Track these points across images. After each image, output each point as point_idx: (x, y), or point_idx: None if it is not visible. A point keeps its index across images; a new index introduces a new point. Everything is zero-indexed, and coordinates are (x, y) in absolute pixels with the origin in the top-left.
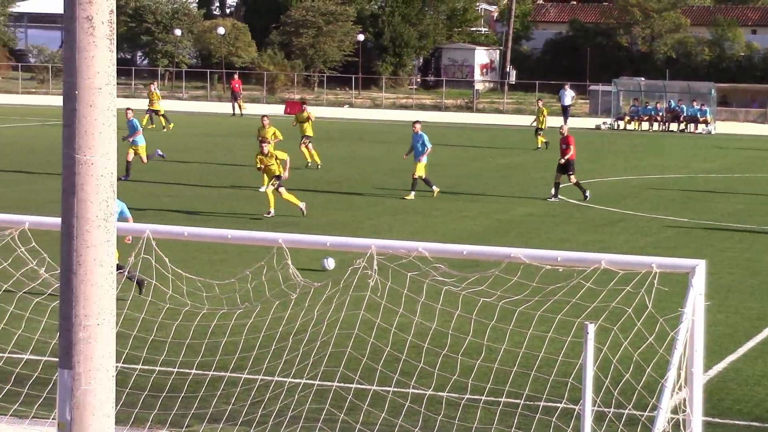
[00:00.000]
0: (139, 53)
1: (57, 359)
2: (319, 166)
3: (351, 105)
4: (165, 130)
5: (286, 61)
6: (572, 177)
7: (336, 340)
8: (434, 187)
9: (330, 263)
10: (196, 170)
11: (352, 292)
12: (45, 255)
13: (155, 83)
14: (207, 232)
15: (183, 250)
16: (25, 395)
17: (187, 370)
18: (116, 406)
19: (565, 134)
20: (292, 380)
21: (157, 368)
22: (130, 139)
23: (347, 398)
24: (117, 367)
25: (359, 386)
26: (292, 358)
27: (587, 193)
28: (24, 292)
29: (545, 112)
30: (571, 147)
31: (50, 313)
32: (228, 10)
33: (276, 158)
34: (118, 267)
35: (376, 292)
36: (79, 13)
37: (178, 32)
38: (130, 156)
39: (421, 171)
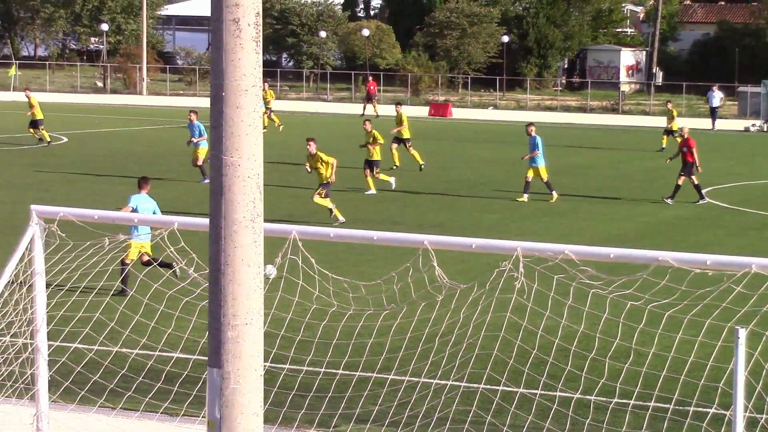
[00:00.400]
0: (285, 55)
1: (206, 358)
2: (422, 166)
3: (495, 107)
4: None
5: (431, 63)
6: (693, 178)
7: (482, 342)
8: (554, 192)
9: (270, 270)
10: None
11: (498, 294)
12: (194, 255)
13: (267, 82)
14: (353, 234)
15: (329, 251)
16: (175, 393)
17: (334, 371)
18: (264, 405)
19: (686, 136)
20: (439, 382)
21: (305, 368)
22: (195, 141)
23: (494, 400)
24: (265, 366)
25: (506, 388)
26: (439, 360)
27: (704, 198)
28: (173, 292)
29: (675, 114)
30: (693, 149)
31: (199, 312)
32: (372, 12)
33: (322, 161)
34: (153, 261)
35: (522, 295)
36: (226, 16)
37: (323, 34)
38: (200, 160)
39: (535, 173)
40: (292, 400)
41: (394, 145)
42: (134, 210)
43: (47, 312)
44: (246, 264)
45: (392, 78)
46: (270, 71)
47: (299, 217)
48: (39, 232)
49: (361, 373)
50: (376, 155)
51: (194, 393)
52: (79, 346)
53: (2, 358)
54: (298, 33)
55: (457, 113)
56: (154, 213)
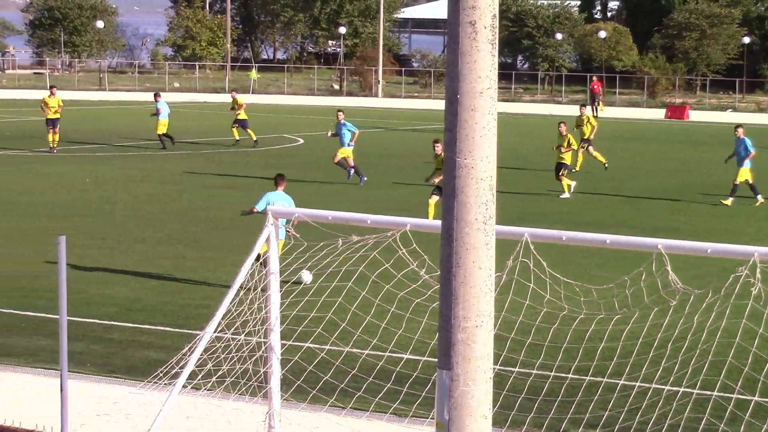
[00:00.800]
0: (520, 57)
1: (436, 360)
2: (606, 166)
3: (734, 109)
4: None
5: (668, 65)
6: None
7: (716, 348)
8: (759, 196)
9: (305, 277)
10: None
11: (734, 300)
12: (425, 257)
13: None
14: (585, 236)
15: (561, 254)
16: (404, 394)
17: (564, 375)
18: (493, 407)
19: None
20: (670, 388)
21: (534, 371)
22: (351, 144)
23: (727, 408)
24: (494, 369)
25: (740, 396)
26: (670, 366)
27: None
28: (404, 293)
29: None
30: None
31: (430, 314)
32: (609, 14)
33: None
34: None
35: (759, 301)
36: (463, 18)
37: (559, 36)
38: (351, 161)
39: (745, 176)
40: (521, 403)
41: (590, 148)
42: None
43: (281, 311)
44: (477, 266)
45: (628, 80)
46: (505, 73)
47: (530, 220)
48: (274, 233)
49: (591, 378)
50: (567, 159)
51: (423, 394)
52: (311, 345)
53: (237, 356)
54: (533, 35)
55: (695, 116)
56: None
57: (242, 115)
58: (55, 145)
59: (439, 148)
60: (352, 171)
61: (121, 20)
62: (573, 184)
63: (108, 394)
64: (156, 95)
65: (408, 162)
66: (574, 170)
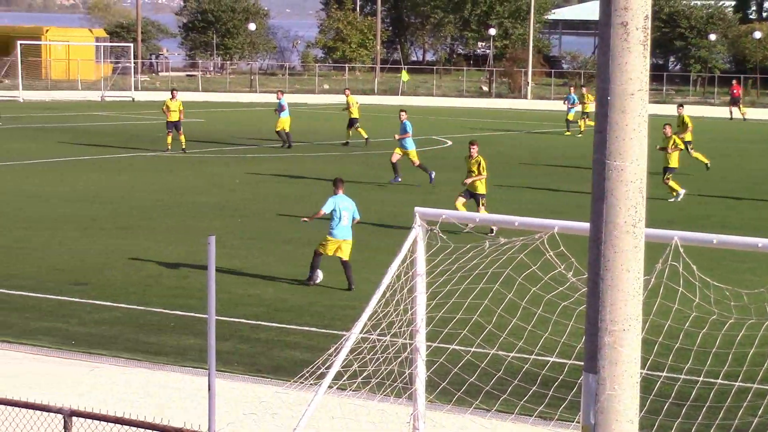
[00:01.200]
0: (672, 58)
1: (582, 363)
2: (708, 166)
3: None
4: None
5: None
6: None
7: None
8: None
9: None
10: (717, 178)
11: None
12: (572, 259)
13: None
14: (736, 240)
15: (711, 258)
16: (549, 397)
17: (712, 380)
18: (639, 412)
19: None
20: None
21: (682, 376)
22: (398, 138)
23: None
24: (641, 373)
25: None
26: None
27: None
28: (551, 296)
29: None
30: None
31: (576, 317)
32: (765, 14)
33: (478, 169)
34: (345, 266)
35: None
36: (614, 20)
37: (712, 37)
38: (395, 157)
39: None
40: (668, 408)
41: (691, 150)
42: (333, 212)
43: (426, 313)
44: (626, 269)
45: None
46: (656, 75)
47: (680, 223)
48: (422, 234)
49: (741, 384)
50: (673, 162)
51: (569, 398)
52: (457, 347)
53: (382, 357)
54: (686, 36)
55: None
56: (354, 211)
57: (354, 114)
58: (184, 146)
59: (474, 150)
60: (424, 170)
61: (273, 22)
62: (681, 191)
63: (254, 393)
64: (279, 93)
65: (558, 164)
66: (707, 166)
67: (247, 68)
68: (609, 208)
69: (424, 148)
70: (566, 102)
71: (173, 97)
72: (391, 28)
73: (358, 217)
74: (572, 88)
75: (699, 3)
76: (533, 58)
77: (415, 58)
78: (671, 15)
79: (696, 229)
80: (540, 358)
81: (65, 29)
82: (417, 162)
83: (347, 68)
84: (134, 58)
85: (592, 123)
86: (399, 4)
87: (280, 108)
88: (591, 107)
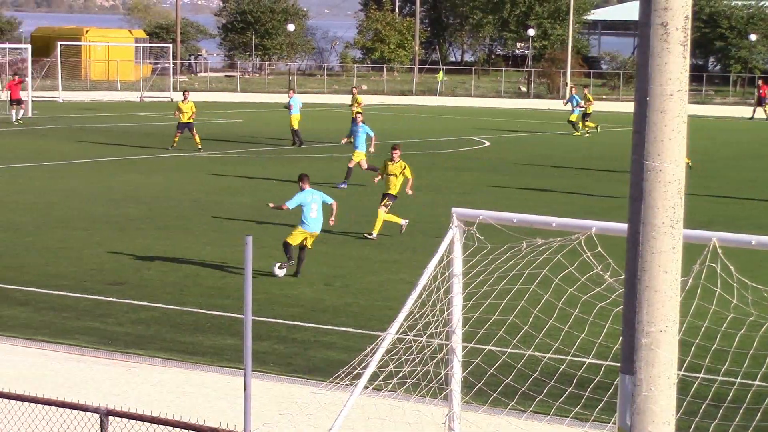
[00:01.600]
0: (712, 59)
1: (618, 364)
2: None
3: None
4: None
5: None
6: None
7: None
8: None
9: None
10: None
11: None
12: (610, 260)
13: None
14: None
15: (750, 259)
16: (585, 398)
17: (750, 381)
18: (676, 414)
19: None
20: None
21: (719, 378)
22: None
23: None
24: (678, 374)
25: None
26: None
27: None
28: (588, 297)
29: None
30: None
31: (613, 318)
32: None
33: (402, 173)
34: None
35: None
36: (654, 20)
37: (753, 37)
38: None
39: None
40: (705, 410)
41: None
42: (302, 206)
43: (462, 314)
44: (663, 270)
45: None
46: (696, 75)
47: (718, 224)
48: (459, 235)
49: None
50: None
51: (605, 399)
52: (493, 348)
53: (418, 357)
54: (726, 36)
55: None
56: (323, 201)
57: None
58: (200, 146)
59: (397, 155)
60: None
61: (312, 23)
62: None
63: (290, 393)
64: (290, 91)
65: (594, 165)
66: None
67: (285, 69)
68: (647, 209)
69: (462, 148)
70: (569, 103)
71: (185, 98)
72: (429, 29)
73: (330, 201)
74: (573, 89)
75: (740, 3)
76: (572, 58)
77: (453, 59)
78: (711, 15)
79: (734, 230)
80: (576, 359)
81: (105, 30)
82: (353, 164)
83: (385, 69)
84: (173, 59)
85: (592, 125)
86: (438, 5)
87: (289, 106)
88: (592, 108)
